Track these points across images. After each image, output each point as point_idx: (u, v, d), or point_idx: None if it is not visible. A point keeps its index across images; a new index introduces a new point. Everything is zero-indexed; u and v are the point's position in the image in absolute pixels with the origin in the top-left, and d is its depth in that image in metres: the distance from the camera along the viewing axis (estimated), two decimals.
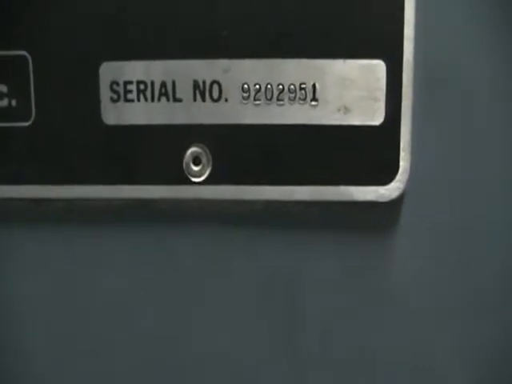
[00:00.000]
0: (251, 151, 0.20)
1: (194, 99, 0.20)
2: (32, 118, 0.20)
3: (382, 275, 0.21)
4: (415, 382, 0.21)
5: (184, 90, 0.20)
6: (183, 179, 0.20)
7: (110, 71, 0.20)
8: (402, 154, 0.20)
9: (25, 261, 0.21)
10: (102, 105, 0.20)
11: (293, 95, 0.20)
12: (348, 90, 0.19)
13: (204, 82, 0.20)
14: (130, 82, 0.20)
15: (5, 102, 0.20)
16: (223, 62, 0.20)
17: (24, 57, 0.20)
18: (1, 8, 0.20)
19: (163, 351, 0.21)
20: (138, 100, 0.20)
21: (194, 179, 0.20)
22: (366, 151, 0.20)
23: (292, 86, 0.20)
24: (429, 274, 0.21)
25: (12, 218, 0.21)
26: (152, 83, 0.20)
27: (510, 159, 0.20)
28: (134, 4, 0.20)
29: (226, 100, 0.20)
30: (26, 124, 0.20)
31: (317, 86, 0.19)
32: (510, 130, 0.20)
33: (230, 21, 0.19)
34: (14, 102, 0.20)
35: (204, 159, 0.20)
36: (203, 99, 0.20)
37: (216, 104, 0.20)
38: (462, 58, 0.20)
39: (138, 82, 0.20)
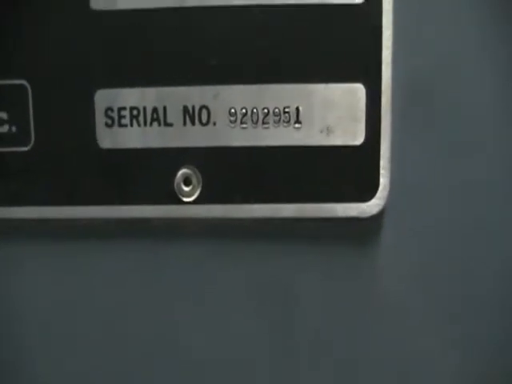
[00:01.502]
0: (239, 172, 0.21)
1: (184, 123, 0.21)
2: (31, 143, 0.22)
3: (366, 285, 0.22)
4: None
5: (175, 115, 0.21)
6: (175, 199, 0.21)
7: (104, 98, 0.21)
8: (381, 171, 0.21)
9: (24, 276, 0.22)
10: (98, 130, 0.21)
11: (277, 118, 0.21)
12: (330, 113, 0.21)
13: (193, 107, 0.21)
14: (124, 108, 0.21)
15: (5, 128, 0.22)
16: (212, 88, 0.21)
17: (23, 86, 0.21)
18: (1, 39, 0.21)
19: (158, 358, 0.22)
20: (132, 125, 0.21)
21: (184, 199, 0.21)
22: (347, 170, 0.21)
23: (277, 110, 0.21)
24: (410, 283, 0.21)
25: (12, 238, 0.22)
26: (144, 109, 0.21)
27: (489, 172, 0.21)
28: (127, 34, 0.21)
29: (215, 124, 0.21)
30: (26, 149, 0.22)
31: (300, 109, 0.21)
32: (487, 142, 0.21)
33: (218, 49, 0.21)
34: (14, 128, 0.22)
35: (194, 180, 0.21)
36: (193, 123, 0.21)
37: (205, 128, 0.21)
38: (438, 79, 0.21)
39: (132, 108, 0.21)
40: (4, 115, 0.22)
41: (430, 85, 0.21)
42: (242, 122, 0.21)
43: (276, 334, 0.22)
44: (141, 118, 0.21)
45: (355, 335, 0.22)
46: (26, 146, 0.22)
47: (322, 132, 0.21)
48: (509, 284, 0.22)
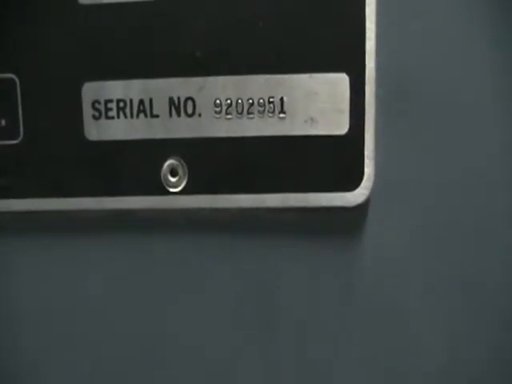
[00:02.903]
0: (224, 162, 0.21)
1: (170, 115, 0.21)
2: (20, 136, 0.22)
3: (351, 274, 0.22)
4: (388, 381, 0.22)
5: (160, 107, 0.21)
6: (161, 190, 0.21)
7: (91, 91, 0.21)
8: (366, 161, 0.21)
9: (12, 269, 0.23)
10: (85, 122, 0.21)
11: (262, 109, 0.21)
12: (314, 103, 0.21)
13: (179, 99, 0.21)
14: (111, 101, 0.21)
15: None
16: (197, 80, 0.21)
17: (12, 79, 0.22)
18: None
19: (146, 351, 0.22)
20: (118, 117, 0.21)
21: (171, 189, 0.21)
22: (332, 160, 0.21)
23: (261, 101, 0.21)
24: (394, 272, 0.22)
25: (2, 230, 0.23)
26: (131, 101, 0.21)
27: (470, 162, 0.21)
28: (113, 28, 0.21)
29: (200, 115, 0.21)
30: (15, 142, 0.22)
31: (284, 99, 0.21)
32: (468, 134, 0.21)
33: (202, 41, 0.21)
34: (3, 122, 0.22)
35: (180, 171, 0.21)
36: (178, 115, 0.21)
37: (190, 119, 0.21)
38: (422, 70, 0.21)
39: (118, 101, 0.21)
40: None
41: (415, 75, 0.21)
42: (227, 113, 0.21)
43: (261, 326, 0.22)
44: (127, 110, 0.21)
45: (341, 326, 0.22)
46: (15, 139, 0.22)
47: (306, 122, 0.21)
48: (494, 271, 0.22)
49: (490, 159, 0.21)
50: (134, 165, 0.21)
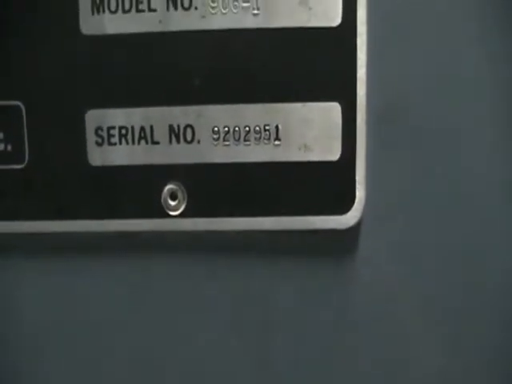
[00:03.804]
0: (222, 187, 0.22)
1: (170, 142, 0.22)
2: (25, 161, 0.23)
3: (344, 295, 0.23)
4: None
5: (161, 134, 0.22)
6: (162, 213, 0.22)
7: (94, 118, 0.22)
8: (357, 185, 0.22)
9: (14, 289, 0.24)
10: (88, 148, 0.22)
11: (258, 136, 0.22)
12: (308, 130, 0.22)
13: (179, 126, 0.22)
14: (113, 128, 0.22)
15: (1, 147, 0.23)
16: (196, 108, 0.22)
17: (18, 106, 0.22)
18: None
19: (144, 369, 0.23)
20: (120, 143, 0.22)
21: (171, 213, 0.22)
22: (325, 184, 0.22)
23: (257, 128, 0.22)
24: (385, 292, 0.23)
25: (8, 251, 0.23)
26: (132, 128, 0.22)
27: (460, 186, 0.22)
28: (114, 57, 0.22)
29: (199, 142, 0.22)
30: (20, 166, 0.23)
31: (279, 127, 0.22)
32: (458, 158, 0.22)
33: (201, 71, 0.22)
34: (9, 147, 0.23)
35: (180, 195, 0.22)
36: (178, 141, 0.22)
37: (190, 145, 0.22)
38: (412, 97, 0.22)
39: (120, 128, 0.22)
40: (0, 135, 0.23)
41: (405, 102, 0.22)
42: (224, 140, 0.22)
43: (254, 346, 0.23)
44: (129, 137, 0.22)
45: (332, 347, 0.23)
46: (21, 164, 0.23)
47: (300, 149, 0.22)
48: (486, 290, 0.23)
49: (480, 181, 0.22)
50: (136, 189, 0.22)
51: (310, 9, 0.21)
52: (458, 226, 0.22)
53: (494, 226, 0.22)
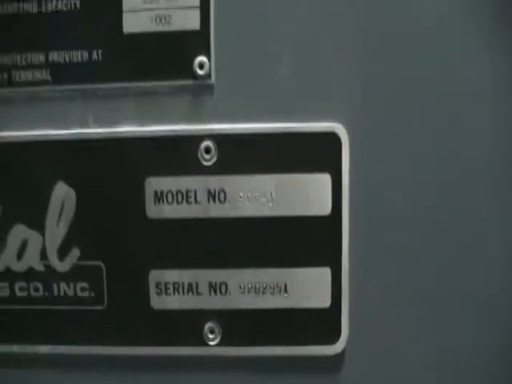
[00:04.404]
0: (249, 324, 0.31)
1: (209, 293, 0.31)
2: (105, 304, 0.32)
3: None
4: None
5: (203, 288, 0.31)
6: (202, 343, 0.31)
7: (155, 276, 0.31)
8: (343, 323, 0.31)
9: None
10: (151, 297, 0.31)
11: (272, 290, 0.31)
12: (308, 287, 0.31)
13: (216, 283, 0.31)
14: (169, 283, 0.31)
15: (86, 293, 0.32)
16: (229, 271, 0.31)
17: (100, 266, 0.31)
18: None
19: None
20: (174, 294, 0.31)
21: (210, 343, 0.31)
22: (318, 326, 0.31)
23: (272, 284, 0.31)
24: None
25: (86, 369, 0.32)
26: (183, 283, 0.31)
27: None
28: (171, 235, 0.31)
29: (230, 293, 0.31)
30: (101, 308, 0.32)
31: (287, 284, 0.31)
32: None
33: (232, 243, 0.31)
34: (92, 293, 0.32)
35: (216, 330, 0.31)
36: (215, 293, 0.31)
37: (223, 296, 0.31)
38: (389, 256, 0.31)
39: (174, 283, 0.31)
40: (85, 285, 0.32)
41: (384, 264, 0.31)
42: (248, 292, 0.31)
43: None
44: (180, 290, 0.31)
45: None
46: (101, 306, 0.32)
47: (302, 299, 0.31)
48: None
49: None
50: (184, 326, 0.31)
51: (308, 198, 0.30)
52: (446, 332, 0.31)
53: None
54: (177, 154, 0.31)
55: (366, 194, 0.30)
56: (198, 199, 0.31)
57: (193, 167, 0.31)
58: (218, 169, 0.31)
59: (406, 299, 0.31)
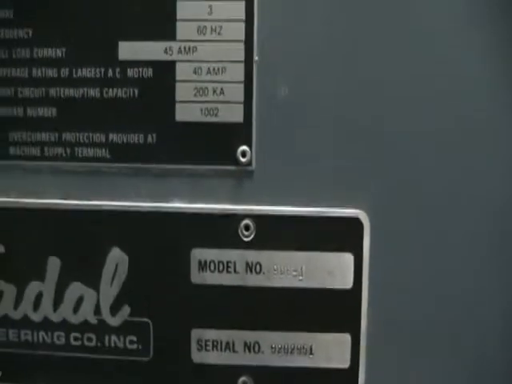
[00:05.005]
0: (277, 380, 0.35)
1: (244, 351, 0.35)
2: (150, 356, 0.36)
3: None
4: None
5: (239, 347, 0.35)
6: None
7: (197, 334, 0.35)
8: (359, 382, 0.35)
9: None
10: (192, 352, 0.36)
11: (299, 351, 0.35)
12: (331, 351, 0.35)
13: (250, 342, 0.35)
14: (208, 340, 0.36)
15: (134, 346, 0.36)
16: (262, 333, 0.35)
17: (147, 322, 0.36)
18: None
19: None
20: (212, 350, 0.35)
21: None
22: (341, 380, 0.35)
23: (299, 346, 0.35)
24: None
25: None
26: (221, 341, 0.35)
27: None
28: (213, 298, 0.35)
29: (263, 352, 0.35)
30: (147, 359, 0.36)
31: (313, 346, 0.35)
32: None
33: (260, 306, 0.35)
34: (140, 346, 0.36)
35: (249, 382, 0.36)
36: (250, 352, 0.35)
37: (256, 354, 0.35)
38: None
39: (213, 341, 0.36)
40: (134, 338, 0.36)
41: (398, 330, 0.35)
42: (278, 352, 0.35)
43: None
44: (218, 347, 0.36)
45: None
46: (147, 357, 0.36)
47: (324, 359, 0.35)
48: None
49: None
50: (221, 379, 0.36)
51: (333, 273, 0.35)
52: None
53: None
54: (220, 230, 0.35)
55: (383, 271, 0.35)
56: (237, 269, 0.35)
57: (233, 241, 0.35)
58: (256, 244, 0.35)
59: (419, 362, 0.35)
